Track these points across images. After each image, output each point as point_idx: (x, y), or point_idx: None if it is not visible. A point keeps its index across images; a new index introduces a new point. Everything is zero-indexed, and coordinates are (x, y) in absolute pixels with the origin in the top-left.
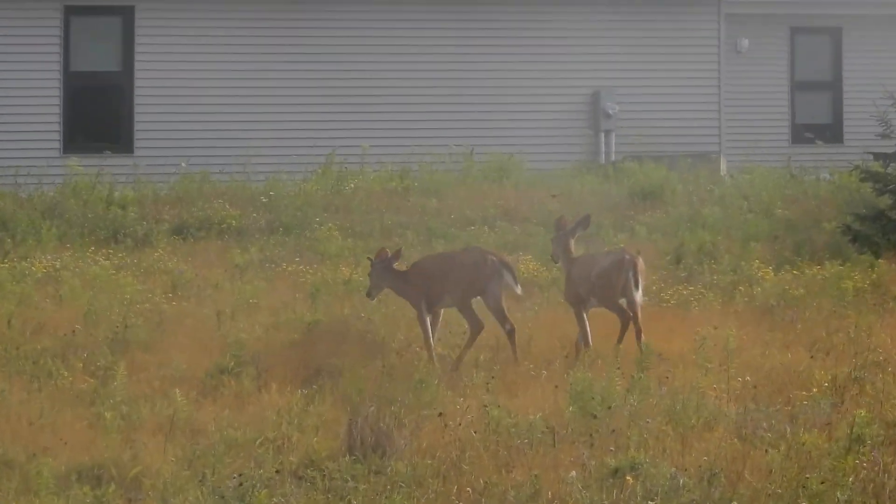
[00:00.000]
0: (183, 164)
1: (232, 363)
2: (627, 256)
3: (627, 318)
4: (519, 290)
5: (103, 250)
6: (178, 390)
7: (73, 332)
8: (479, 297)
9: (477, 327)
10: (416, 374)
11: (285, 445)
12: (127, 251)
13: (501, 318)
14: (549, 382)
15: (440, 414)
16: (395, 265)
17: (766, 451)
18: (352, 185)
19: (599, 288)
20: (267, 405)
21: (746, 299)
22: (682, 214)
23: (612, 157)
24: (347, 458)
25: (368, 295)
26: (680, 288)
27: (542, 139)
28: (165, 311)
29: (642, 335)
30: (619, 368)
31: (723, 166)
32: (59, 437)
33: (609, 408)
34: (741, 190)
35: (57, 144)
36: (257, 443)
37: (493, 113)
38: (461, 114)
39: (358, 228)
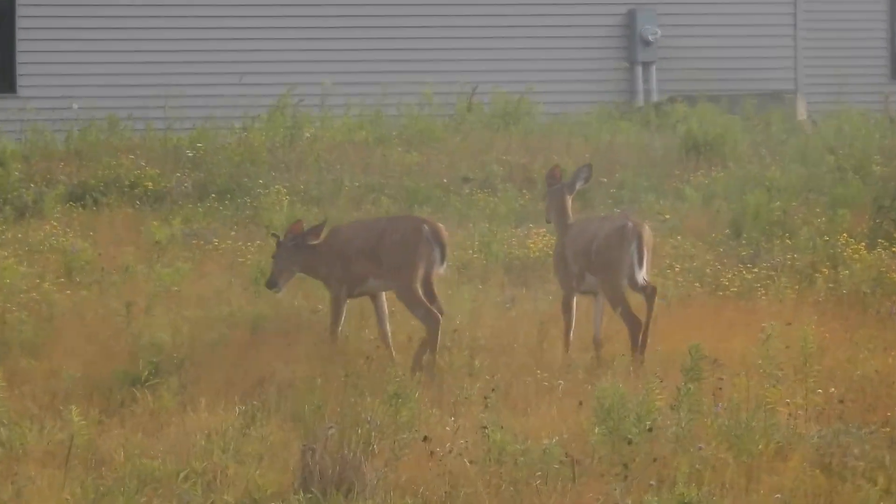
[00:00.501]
0: (75, 107)
1: (147, 372)
2: (630, 223)
3: (637, 324)
4: (442, 269)
5: None
6: (74, 408)
7: None
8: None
9: (431, 320)
10: (391, 386)
11: (219, 480)
12: (7, 223)
13: (424, 303)
14: (568, 397)
15: (425, 438)
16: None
17: (859, 485)
18: (308, 135)
19: (601, 266)
20: (194, 427)
21: (830, 285)
22: (746, 173)
23: (654, 97)
24: (301, 495)
25: (270, 285)
26: (743, 270)
27: (561, 74)
28: (58, 303)
29: (648, 333)
30: (658, 378)
31: (801, 109)
32: None
33: (648, 430)
34: (825, 140)
35: None
36: (181, 476)
37: (498, 40)
38: (456, 41)
39: (314, 192)
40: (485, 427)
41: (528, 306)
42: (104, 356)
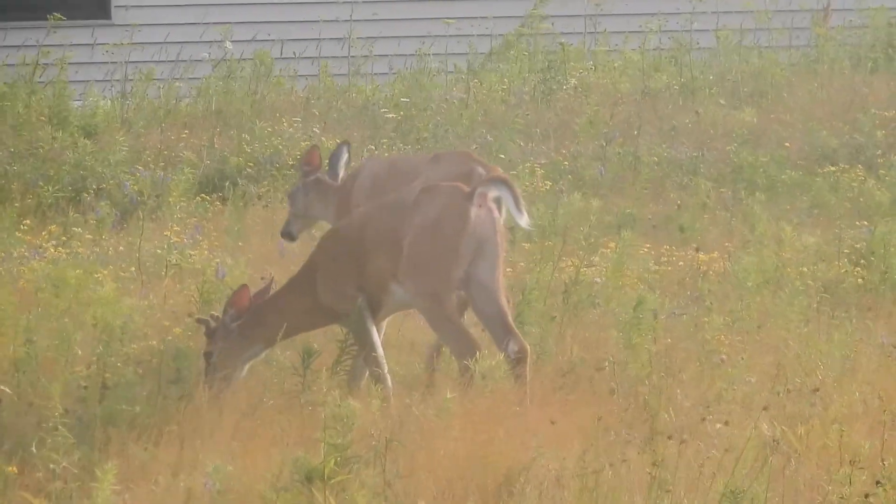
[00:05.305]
0: (228, 45)
1: (332, 461)
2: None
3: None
4: (524, 220)
5: None
6: None
7: None
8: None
9: (468, 347)
10: None
11: None
12: (104, 227)
13: (501, 320)
14: None
15: None
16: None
17: None
18: (574, 81)
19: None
20: None
21: None
22: None
23: None
24: None
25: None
26: None
27: None
28: (194, 360)
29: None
30: None
31: None
32: None
33: None
34: None
35: None
36: None
37: None
38: None
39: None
40: None
41: None
42: (263, 440)
